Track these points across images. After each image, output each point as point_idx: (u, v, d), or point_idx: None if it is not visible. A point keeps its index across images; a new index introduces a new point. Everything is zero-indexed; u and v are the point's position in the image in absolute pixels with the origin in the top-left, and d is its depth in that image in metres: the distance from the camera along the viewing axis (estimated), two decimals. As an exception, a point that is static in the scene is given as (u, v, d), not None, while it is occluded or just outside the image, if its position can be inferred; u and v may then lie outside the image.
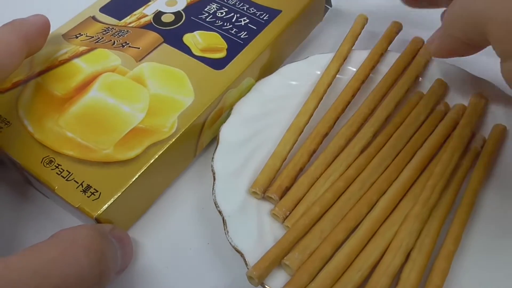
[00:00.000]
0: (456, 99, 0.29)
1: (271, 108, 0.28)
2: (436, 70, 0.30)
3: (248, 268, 0.21)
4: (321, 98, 0.28)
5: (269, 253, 0.22)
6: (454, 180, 0.25)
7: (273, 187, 0.24)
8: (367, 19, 0.31)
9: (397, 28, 0.31)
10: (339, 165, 0.25)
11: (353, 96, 0.28)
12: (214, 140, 0.28)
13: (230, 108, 0.28)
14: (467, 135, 0.26)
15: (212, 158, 0.25)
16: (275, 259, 0.22)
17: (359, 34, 0.31)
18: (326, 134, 0.27)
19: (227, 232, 0.23)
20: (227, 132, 0.26)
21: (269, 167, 0.25)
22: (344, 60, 0.30)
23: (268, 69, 0.30)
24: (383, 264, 0.22)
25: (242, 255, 0.22)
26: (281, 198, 0.24)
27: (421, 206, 0.23)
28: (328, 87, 0.28)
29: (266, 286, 0.21)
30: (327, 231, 0.23)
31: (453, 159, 0.25)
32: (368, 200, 0.24)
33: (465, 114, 0.27)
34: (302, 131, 0.27)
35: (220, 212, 0.23)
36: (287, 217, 0.24)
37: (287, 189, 0.25)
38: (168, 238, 0.25)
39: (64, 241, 0.18)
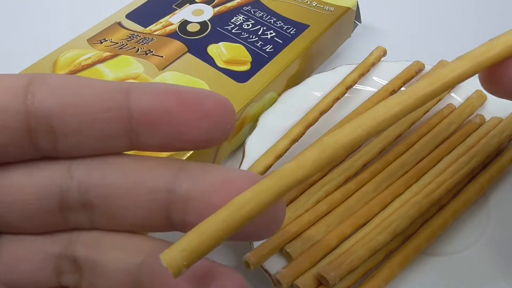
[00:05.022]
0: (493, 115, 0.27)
1: (296, 120, 0.27)
2: (470, 85, 0.28)
3: None
4: (310, 125, 0.26)
5: (268, 242, 0.22)
6: (468, 188, 0.24)
7: None
8: (385, 52, 0.30)
9: (418, 68, 0.29)
10: (337, 175, 0.24)
11: None
12: (232, 154, 0.28)
13: (255, 120, 0.27)
14: (493, 145, 0.25)
15: None
16: (274, 248, 0.21)
17: (372, 65, 0.29)
18: None
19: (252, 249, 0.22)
20: (252, 145, 0.26)
21: None
22: (347, 89, 0.28)
23: (293, 84, 0.29)
24: (367, 237, 0.21)
25: (269, 275, 0.21)
26: None
27: (422, 196, 0.23)
28: (321, 115, 0.27)
29: (265, 269, 0.21)
30: (334, 226, 0.22)
31: (470, 162, 0.24)
32: (382, 199, 0.23)
33: (498, 126, 0.26)
34: (281, 156, 0.25)
35: None
36: None
37: None
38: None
39: None
